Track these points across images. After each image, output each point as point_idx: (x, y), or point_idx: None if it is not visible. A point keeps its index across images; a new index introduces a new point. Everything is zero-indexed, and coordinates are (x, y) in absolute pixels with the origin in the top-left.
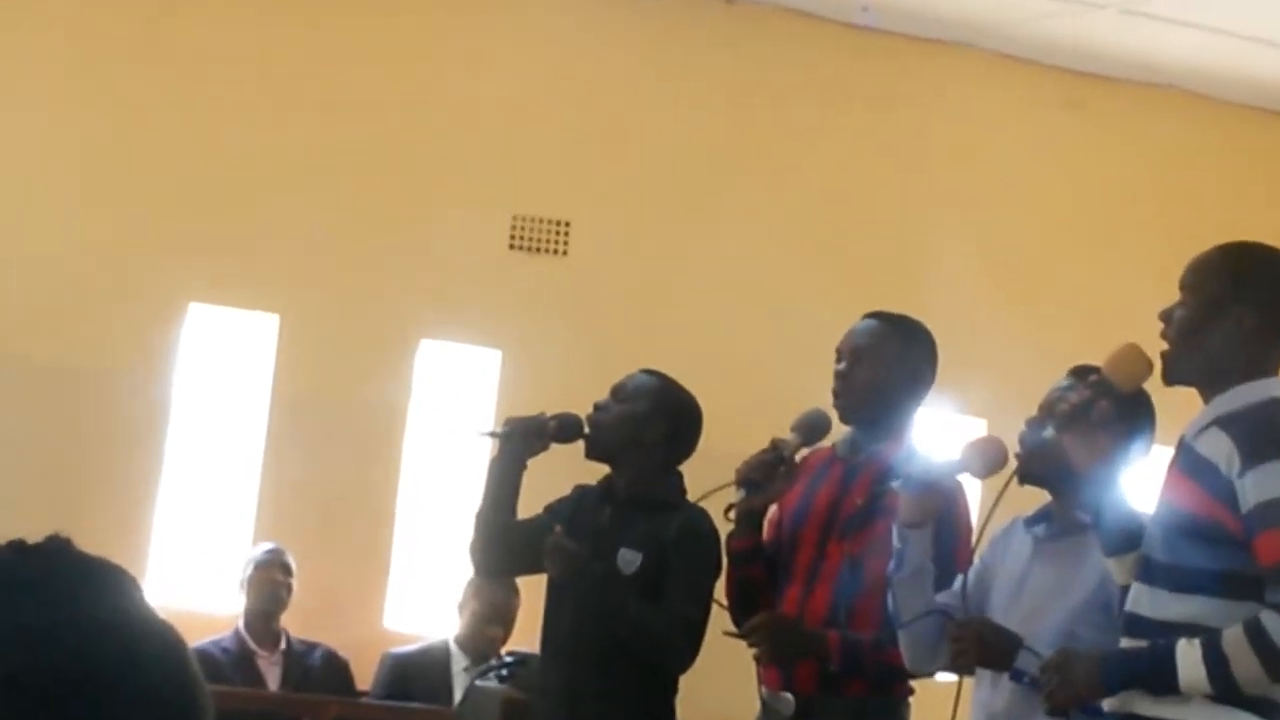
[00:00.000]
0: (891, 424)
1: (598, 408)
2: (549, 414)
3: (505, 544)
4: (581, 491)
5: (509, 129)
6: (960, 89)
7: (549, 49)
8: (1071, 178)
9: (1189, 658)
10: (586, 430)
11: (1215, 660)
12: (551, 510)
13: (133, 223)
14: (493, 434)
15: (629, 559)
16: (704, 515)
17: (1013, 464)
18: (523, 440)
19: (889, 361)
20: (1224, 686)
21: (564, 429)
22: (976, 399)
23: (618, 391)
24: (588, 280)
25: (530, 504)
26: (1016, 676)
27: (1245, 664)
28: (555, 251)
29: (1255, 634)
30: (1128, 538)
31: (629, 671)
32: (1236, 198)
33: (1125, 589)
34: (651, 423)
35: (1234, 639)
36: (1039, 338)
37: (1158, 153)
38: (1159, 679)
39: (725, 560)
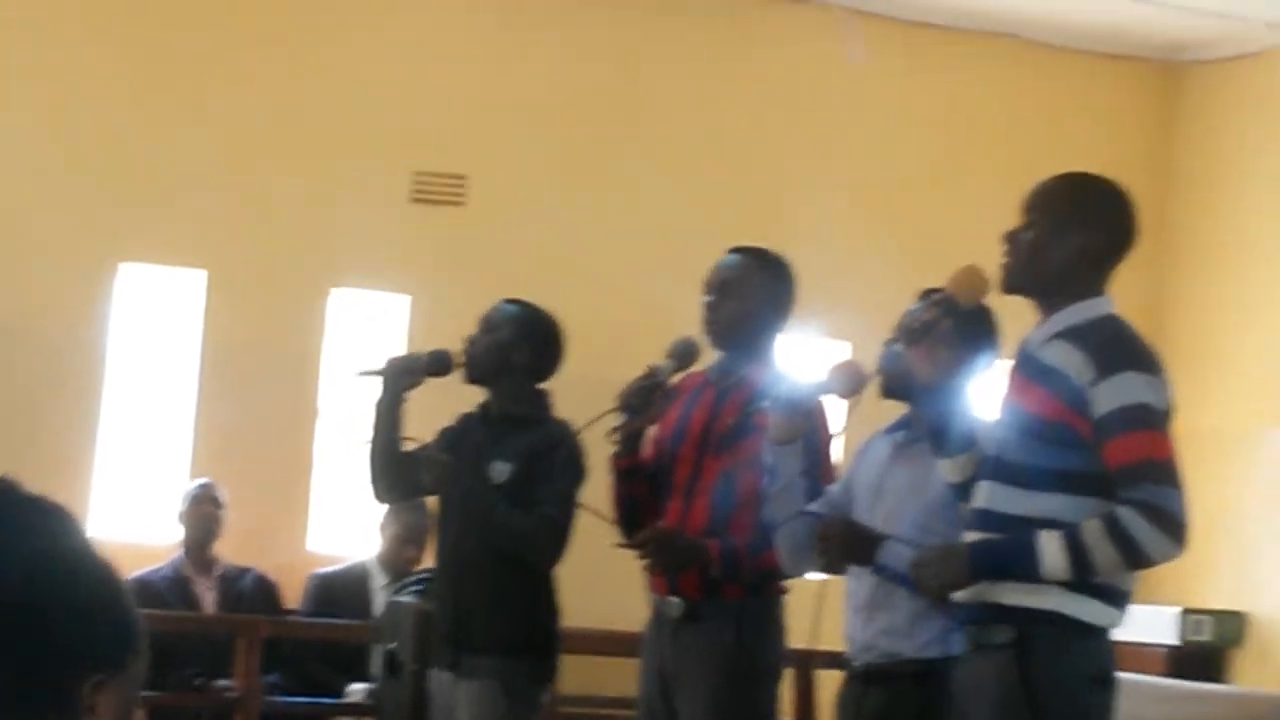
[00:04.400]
0: (757, 349)
1: (468, 341)
2: (424, 352)
3: (396, 472)
4: (466, 417)
5: (408, 91)
6: (807, 43)
7: (444, 16)
8: (918, 121)
9: (1050, 546)
10: (460, 362)
11: (1076, 549)
12: (442, 436)
13: (63, 189)
14: (372, 372)
15: (500, 469)
16: (566, 427)
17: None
18: (397, 376)
19: (753, 292)
20: (1081, 574)
21: (435, 364)
22: (842, 323)
23: (485, 323)
24: (486, 228)
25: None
26: (879, 570)
27: (1104, 553)
28: (454, 203)
29: (1112, 526)
30: (965, 441)
31: (510, 580)
32: (1066, 133)
33: (955, 487)
34: (517, 347)
35: (1093, 530)
36: (899, 266)
37: (995, 96)
38: (1021, 566)
39: (611, 478)
